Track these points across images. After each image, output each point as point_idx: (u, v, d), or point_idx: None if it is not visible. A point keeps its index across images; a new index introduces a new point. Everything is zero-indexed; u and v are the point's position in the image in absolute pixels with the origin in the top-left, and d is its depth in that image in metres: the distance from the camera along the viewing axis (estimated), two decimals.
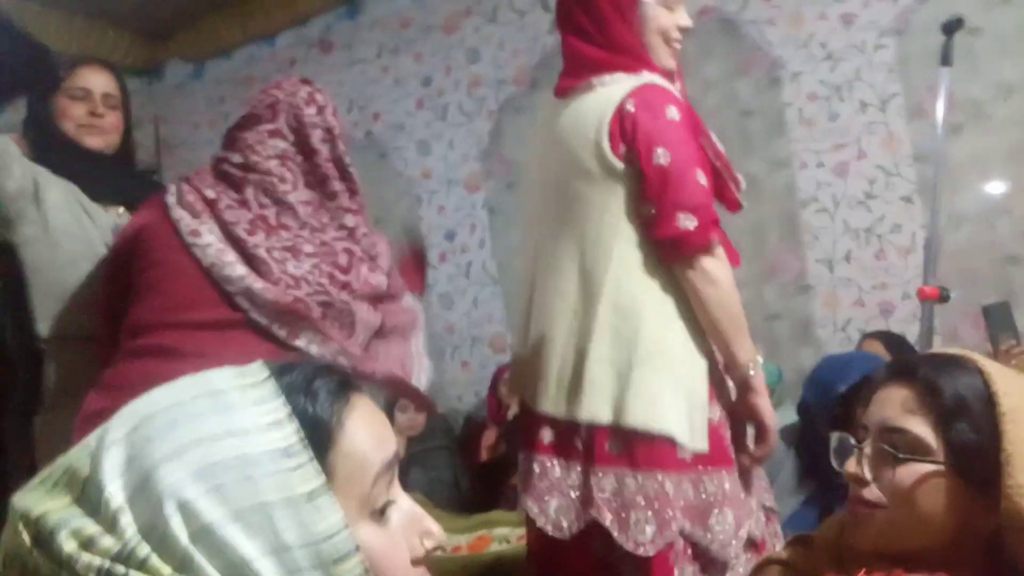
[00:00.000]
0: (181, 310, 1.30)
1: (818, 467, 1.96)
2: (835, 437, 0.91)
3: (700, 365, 1.41)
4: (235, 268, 1.30)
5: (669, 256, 1.40)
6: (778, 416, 2.62)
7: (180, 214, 1.34)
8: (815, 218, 3.06)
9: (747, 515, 1.40)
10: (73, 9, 4.06)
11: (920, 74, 2.81)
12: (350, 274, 1.38)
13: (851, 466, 0.87)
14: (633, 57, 1.44)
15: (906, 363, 0.90)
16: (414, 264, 1.68)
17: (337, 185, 1.42)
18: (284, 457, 0.54)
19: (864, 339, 2.57)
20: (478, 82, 3.75)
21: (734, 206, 1.51)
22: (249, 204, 1.34)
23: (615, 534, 1.35)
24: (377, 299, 1.44)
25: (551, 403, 1.46)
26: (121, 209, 1.63)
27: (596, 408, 1.38)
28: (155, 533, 0.51)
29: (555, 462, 1.45)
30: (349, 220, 1.42)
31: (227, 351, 1.21)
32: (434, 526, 0.63)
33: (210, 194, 1.36)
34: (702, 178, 1.39)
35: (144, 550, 0.51)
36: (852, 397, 1.79)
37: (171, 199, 1.37)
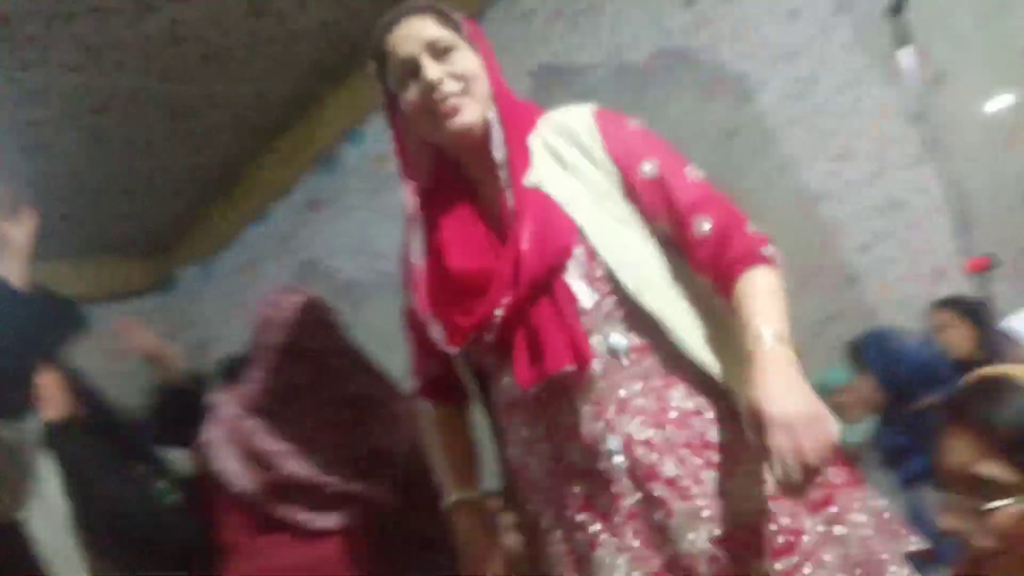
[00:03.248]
0: None
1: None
2: (928, 496, 0.91)
3: None
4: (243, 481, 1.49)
5: None
6: (860, 427, 2.53)
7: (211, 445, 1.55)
8: (835, 209, 3.00)
9: None
10: (79, 255, 4.21)
11: (883, 39, 2.79)
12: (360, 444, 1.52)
13: (950, 523, 0.86)
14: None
15: (954, 404, 0.89)
16: None
17: (337, 365, 1.58)
18: None
19: (933, 311, 2.46)
20: None
21: (456, 339, 1.16)
22: (262, 413, 1.53)
23: None
24: None
25: None
26: None
27: None
28: None
29: None
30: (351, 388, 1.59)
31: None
32: None
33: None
34: None
35: None
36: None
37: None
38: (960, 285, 2.65)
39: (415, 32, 1.14)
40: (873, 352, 2.10)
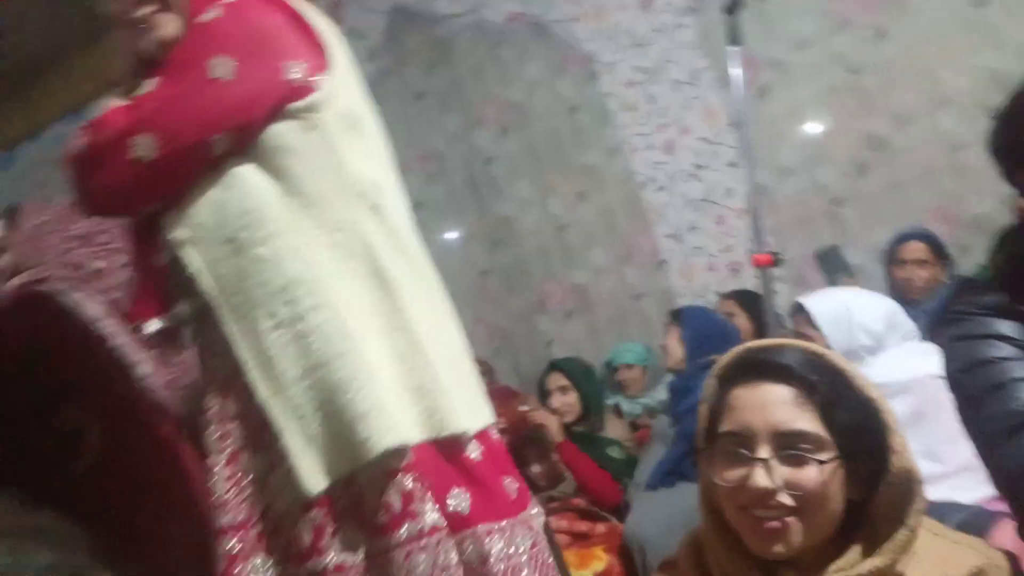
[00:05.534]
0: None
1: None
2: (720, 450, 0.85)
3: None
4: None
5: None
6: (654, 395, 2.73)
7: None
8: (655, 196, 3.19)
9: None
10: None
11: (723, 46, 2.98)
12: None
13: (760, 480, 0.80)
14: None
15: (768, 362, 0.85)
16: None
17: None
18: None
19: (721, 300, 2.70)
20: None
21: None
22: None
23: None
24: None
25: None
26: None
27: None
28: None
29: None
30: None
31: None
32: None
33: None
34: None
35: None
36: None
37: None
38: (752, 283, 2.92)
39: None
40: (688, 313, 2.28)
